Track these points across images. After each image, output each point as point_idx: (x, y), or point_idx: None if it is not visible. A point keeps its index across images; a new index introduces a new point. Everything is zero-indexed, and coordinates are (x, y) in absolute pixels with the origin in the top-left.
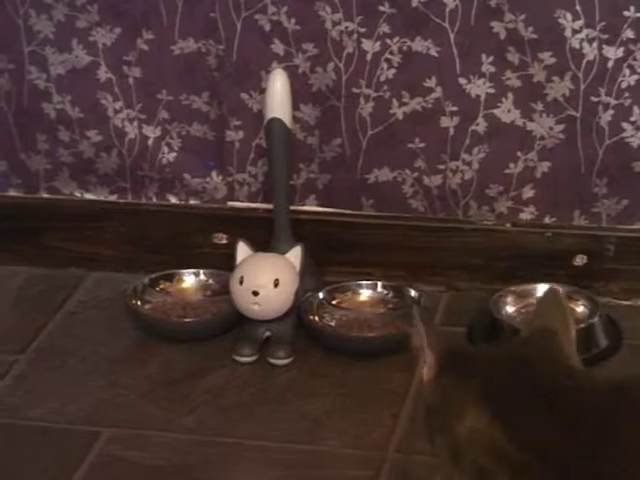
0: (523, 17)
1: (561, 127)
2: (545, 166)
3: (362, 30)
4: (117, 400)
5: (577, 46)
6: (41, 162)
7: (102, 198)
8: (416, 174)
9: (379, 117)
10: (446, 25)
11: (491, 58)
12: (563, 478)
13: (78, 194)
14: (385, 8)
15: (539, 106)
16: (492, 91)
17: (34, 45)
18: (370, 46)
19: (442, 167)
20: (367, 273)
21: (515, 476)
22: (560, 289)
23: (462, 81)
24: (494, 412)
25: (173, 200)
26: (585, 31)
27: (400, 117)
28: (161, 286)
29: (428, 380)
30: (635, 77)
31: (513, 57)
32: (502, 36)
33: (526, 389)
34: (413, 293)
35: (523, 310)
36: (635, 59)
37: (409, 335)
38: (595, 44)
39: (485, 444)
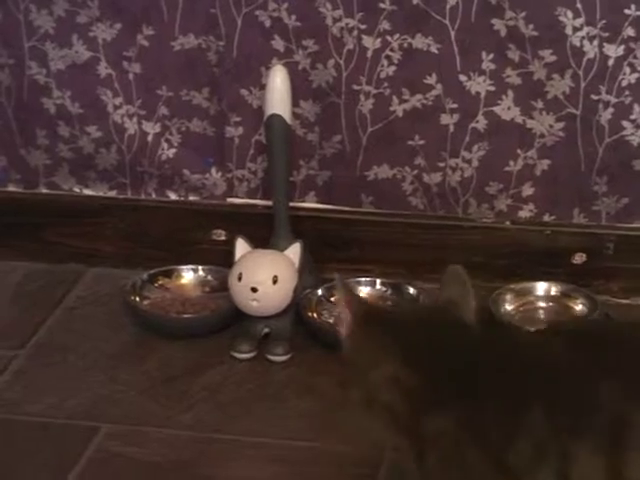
0: (524, 14)
1: (561, 125)
2: (545, 164)
3: (363, 27)
4: (116, 396)
5: (578, 44)
6: (41, 157)
7: (101, 194)
8: (416, 171)
9: (379, 114)
10: (446, 22)
11: (491, 55)
12: (449, 391)
13: (77, 190)
14: (386, 5)
15: (539, 104)
16: (492, 88)
17: (34, 40)
18: (370, 43)
19: (442, 164)
20: (366, 270)
21: (411, 397)
22: (460, 267)
23: (462, 78)
24: (401, 354)
25: (172, 196)
26: (586, 29)
27: (400, 114)
28: (160, 282)
29: (346, 336)
30: (635, 75)
31: (513, 54)
32: (503, 33)
33: (430, 335)
34: (412, 290)
35: (522, 308)
36: (635, 57)
37: None
38: (596, 42)
39: (392, 381)
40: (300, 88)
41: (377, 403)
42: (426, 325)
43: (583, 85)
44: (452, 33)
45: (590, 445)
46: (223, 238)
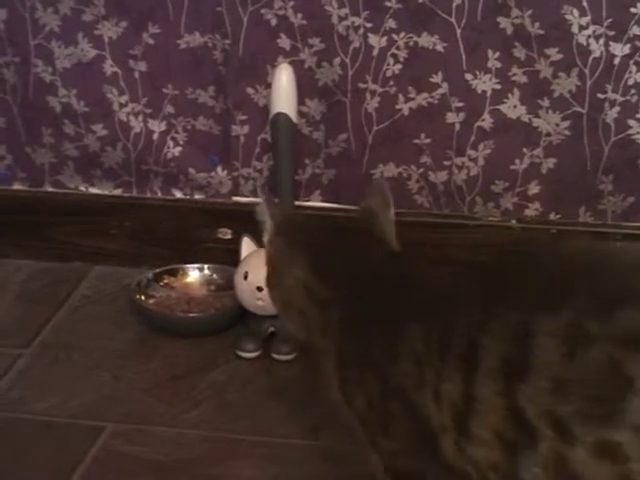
0: (530, 13)
1: (567, 123)
2: (551, 162)
3: (368, 25)
4: (121, 395)
5: (584, 42)
6: (46, 156)
7: (107, 192)
8: (422, 170)
9: (385, 112)
10: (452, 20)
11: (497, 54)
12: (353, 310)
13: (83, 188)
14: (391, 3)
15: (545, 102)
16: (498, 87)
17: (40, 38)
18: (376, 41)
19: (448, 163)
20: None
21: (322, 309)
22: (385, 182)
23: (468, 77)
24: (312, 264)
25: (178, 195)
26: (592, 27)
27: (406, 113)
28: (165, 281)
29: (267, 243)
30: None
31: (519, 53)
32: (509, 32)
33: (341, 248)
34: None
35: None
36: None
37: None
38: (602, 41)
39: (303, 289)
40: (306, 86)
41: (292, 306)
42: (339, 235)
43: (589, 84)
44: (458, 31)
45: (451, 365)
46: (229, 237)
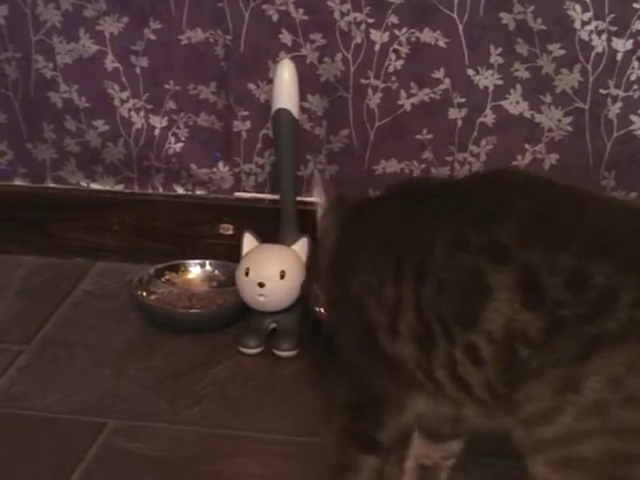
0: (532, 8)
1: (569, 119)
2: (553, 158)
3: (370, 21)
4: (122, 391)
5: (586, 38)
6: (47, 152)
7: (108, 188)
8: (424, 165)
9: (387, 108)
10: (454, 16)
11: (500, 49)
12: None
13: (84, 184)
14: None
15: (547, 98)
16: (500, 83)
17: (41, 34)
18: (378, 37)
19: (450, 159)
20: None
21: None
22: None
23: (470, 72)
24: (342, 230)
25: (179, 190)
26: (594, 23)
27: (408, 108)
28: (167, 277)
29: (320, 217)
30: None
31: (522, 49)
32: (511, 27)
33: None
34: None
35: None
36: None
37: None
38: (604, 36)
39: (335, 249)
40: (308, 82)
41: (333, 267)
42: (376, 199)
43: (591, 79)
44: (460, 27)
45: (411, 276)
46: (230, 232)
